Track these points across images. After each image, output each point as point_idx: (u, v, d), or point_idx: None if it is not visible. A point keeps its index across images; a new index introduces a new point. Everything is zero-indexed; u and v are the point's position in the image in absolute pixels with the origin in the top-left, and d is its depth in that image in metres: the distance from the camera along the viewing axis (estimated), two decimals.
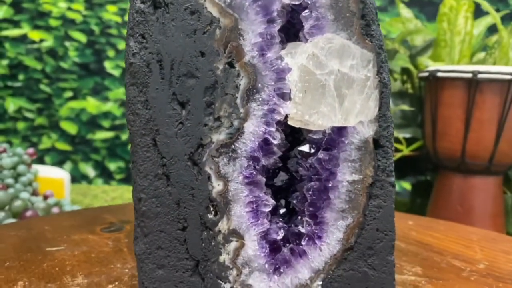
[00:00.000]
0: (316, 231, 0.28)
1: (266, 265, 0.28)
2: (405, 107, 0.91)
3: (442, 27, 0.91)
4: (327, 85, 0.27)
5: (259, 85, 0.27)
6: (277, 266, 0.28)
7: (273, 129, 0.27)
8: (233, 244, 0.28)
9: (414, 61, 0.98)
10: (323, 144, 0.27)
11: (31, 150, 1.14)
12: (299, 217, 0.28)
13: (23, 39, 1.80)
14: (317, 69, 0.27)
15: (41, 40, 1.81)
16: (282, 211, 0.30)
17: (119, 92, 1.84)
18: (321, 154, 0.27)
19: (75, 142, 1.84)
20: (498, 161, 0.79)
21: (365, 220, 0.28)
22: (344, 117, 0.27)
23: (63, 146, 1.84)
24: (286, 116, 0.27)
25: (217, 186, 0.27)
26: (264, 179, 0.28)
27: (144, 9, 0.27)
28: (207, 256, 0.28)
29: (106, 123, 1.84)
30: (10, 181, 1.01)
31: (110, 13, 1.83)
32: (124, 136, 1.84)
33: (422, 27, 1.03)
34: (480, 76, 0.75)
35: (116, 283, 0.34)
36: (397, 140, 0.92)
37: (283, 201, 0.30)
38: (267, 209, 0.28)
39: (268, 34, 0.27)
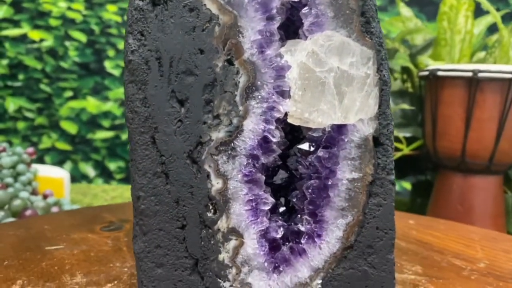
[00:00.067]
0: (316, 230, 0.28)
1: (266, 264, 0.28)
2: (405, 106, 0.91)
3: (442, 26, 0.91)
4: (327, 83, 0.26)
5: (259, 82, 0.27)
6: (276, 264, 0.28)
7: (272, 127, 0.27)
8: (233, 243, 0.28)
9: (414, 60, 0.98)
10: (323, 142, 0.27)
11: (30, 149, 1.14)
12: (299, 216, 0.28)
13: (23, 38, 1.80)
14: (316, 67, 0.26)
15: (41, 40, 1.81)
16: (281, 209, 0.30)
17: (119, 91, 1.84)
18: (320, 152, 0.27)
19: (75, 142, 1.84)
20: (498, 161, 0.79)
21: (365, 219, 0.28)
22: (344, 115, 0.27)
23: (63, 145, 1.84)
24: (286, 114, 0.27)
25: (216, 184, 0.27)
26: (263, 177, 0.27)
27: (142, 6, 0.27)
28: (206, 254, 0.28)
29: (106, 123, 1.84)
30: (9, 180, 1.01)
31: (110, 13, 1.83)
32: (124, 136, 1.84)
33: (422, 26, 1.03)
34: (480, 75, 0.74)
35: (115, 282, 0.33)
36: (397, 139, 0.92)
37: (282, 199, 0.30)
38: (267, 207, 0.28)
39: (267, 31, 0.26)
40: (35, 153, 1.16)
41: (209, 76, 0.27)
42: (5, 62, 1.79)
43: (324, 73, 0.26)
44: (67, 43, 1.82)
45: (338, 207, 0.28)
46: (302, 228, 0.28)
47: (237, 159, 0.27)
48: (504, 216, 0.83)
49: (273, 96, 0.27)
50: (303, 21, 0.27)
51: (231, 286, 0.28)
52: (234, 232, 0.27)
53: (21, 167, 1.05)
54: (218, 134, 0.27)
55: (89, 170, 1.85)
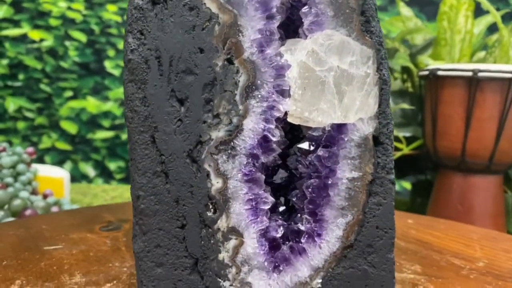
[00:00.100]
0: (316, 229, 0.28)
1: (266, 263, 0.28)
2: (405, 106, 0.91)
3: (442, 26, 0.91)
4: (327, 82, 0.26)
5: (258, 81, 0.27)
6: (276, 264, 0.28)
7: (272, 126, 0.27)
8: (232, 242, 0.28)
9: (414, 60, 0.98)
10: (323, 141, 0.27)
11: (30, 149, 1.14)
12: (299, 215, 0.28)
13: (23, 38, 1.80)
14: (316, 66, 0.26)
15: (41, 40, 1.80)
16: (281, 208, 0.30)
17: (119, 91, 1.84)
18: (320, 152, 0.27)
19: (75, 142, 1.84)
20: (498, 160, 0.79)
21: (365, 218, 0.28)
22: (343, 114, 0.27)
23: (63, 145, 1.84)
24: (286, 113, 0.27)
25: (216, 183, 0.27)
26: (263, 177, 0.27)
27: (142, 5, 0.27)
28: (206, 254, 0.28)
29: (106, 123, 1.84)
30: (9, 180, 1.01)
31: (110, 13, 1.83)
32: (124, 136, 1.84)
33: (422, 26, 1.03)
34: (480, 74, 0.74)
35: (115, 281, 0.33)
36: (397, 139, 0.92)
37: (282, 199, 0.30)
38: (267, 207, 0.28)
39: (267, 31, 0.26)
40: (35, 153, 1.16)
41: (209, 75, 0.27)
42: (5, 62, 1.79)
43: (324, 72, 0.26)
44: (67, 43, 1.82)
45: (338, 206, 0.28)
46: (302, 227, 0.28)
47: (237, 158, 0.27)
48: (504, 216, 0.83)
49: (273, 95, 0.27)
50: (303, 20, 0.27)
51: (231, 285, 0.28)
52: (234, 231, 0.27)
53: (21, 167, 1.05)
54: (218, 133, 0.27)
55: (89, 170, 1.85)
